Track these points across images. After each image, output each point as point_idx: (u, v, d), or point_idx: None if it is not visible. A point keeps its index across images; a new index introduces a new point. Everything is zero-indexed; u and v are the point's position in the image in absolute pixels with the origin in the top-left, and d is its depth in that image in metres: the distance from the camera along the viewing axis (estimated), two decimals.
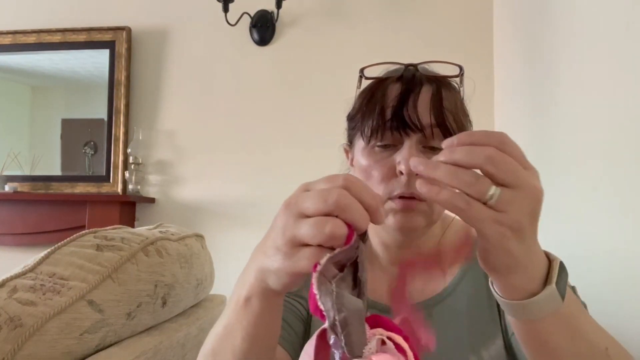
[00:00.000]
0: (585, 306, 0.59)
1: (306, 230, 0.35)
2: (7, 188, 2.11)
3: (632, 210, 0.83)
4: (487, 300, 0.63)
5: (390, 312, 0.65)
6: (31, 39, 2.21)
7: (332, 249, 0.35)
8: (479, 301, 0.63)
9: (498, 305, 0.63)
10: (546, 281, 0.41)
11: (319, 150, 1.88)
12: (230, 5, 2.00)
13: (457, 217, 0.69)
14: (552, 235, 1.22)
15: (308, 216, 0.36)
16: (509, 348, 0.61)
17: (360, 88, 0.66)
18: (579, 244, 1.06)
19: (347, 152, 0.70)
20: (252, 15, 2.08)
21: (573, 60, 1.12)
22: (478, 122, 2.14)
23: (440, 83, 0.61)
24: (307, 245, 0.36)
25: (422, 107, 0.58)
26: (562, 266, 0.42)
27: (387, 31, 2.03)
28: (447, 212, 0.66)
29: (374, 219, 0.36)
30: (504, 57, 1.83)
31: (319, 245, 0.35)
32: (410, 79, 0.61)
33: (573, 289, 0.60)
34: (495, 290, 0.43)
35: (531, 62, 1.45)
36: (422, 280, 0.67)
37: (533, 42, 1.43)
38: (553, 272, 0.41)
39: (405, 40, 2.01)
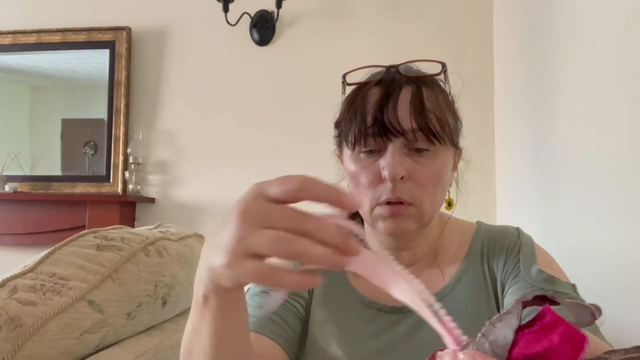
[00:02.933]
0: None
1: (263, 244, 0.32)
2: (7, 188, 2.11)
3: (632, 211, 0.83)
4: (486, 299, 0.63)
5: (389, 312, 0.65)
6: (31, 39, 2.21)
7: None
8: (478, 299, 0.63)
9: (497, 303, 0.63)
10: None
11: (319, 150, 1.88)
12: (230, 5, 2.00)
13: (455, 216, 0.70)
14: (551, 234, 1.22)
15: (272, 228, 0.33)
16: None
17: (345, 94, 0.65)
18: (579, 243, 1.06)
19: (339, 157, 0.70)
20: (252, 15, 2.08)
21: (573, 59, 1.12)
22: (478, 122, 2.14)
23: (422, 83, 0.60)
24: (256, 256, 0.33)
25: (402, 110, 0.57)
26: None
27: (386, 31, 2.03)
28: (444, 210, 0.67)
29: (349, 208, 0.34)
30: (504, 57, 1.83)
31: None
32: (390, 82, 0.60)
33: (573, 286, 0.60)
34: None
35: (531, 62, 1.45)
36: (421, 280, 0.67)
37: (533, 41, 1.43)
38: None
39: (405, 40, 2.01)
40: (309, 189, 0.32)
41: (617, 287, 0.87)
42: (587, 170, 1.02)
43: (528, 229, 0.73)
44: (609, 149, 0.92)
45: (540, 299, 0.30)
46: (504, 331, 0.28)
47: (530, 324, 0.28)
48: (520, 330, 0.28)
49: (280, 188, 0.33)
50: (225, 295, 0.40)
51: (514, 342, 0.28)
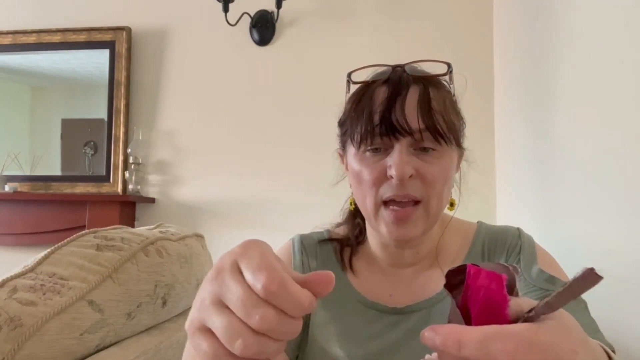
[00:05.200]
0: (585, 305, 0.59)
1: (217, 327, 0.30)
2: (7, 188, 2.11)
3: (632, 210, 0.83)
4: None
5: (390, 313, 0.65)
6: (31, 39, 2.21)
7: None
8: None
9: None
10: None
11: (319, 150, 1.88)
12: (230, 5, 2.00)
13: (456, 217, 0.70)
14: (552, 234, 1.22)
15: (227, 308, 0.31)
16: None
17: (349, 93, 0.65)
18: (580, 243, 1.06)
19: (341, 156, 0.70)
20: (252, 15, 2.08)
21: (573, 59, 1.12)
22: (478, 121, 2.14)
23: (428, 83, 0.60)
24: (213, 334, 0.31)
25: (410, 110, 0.57)
26: None
27: (387, 31, 2.03)
28: (445, 211, 0.67)
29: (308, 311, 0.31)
30: (504, 57, 1.83)
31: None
32: (397, 81, 0.60)
33: None
34: None
35: (531, 62, 1.45)
36: (422, 281, 0.67)
37: (533, 41, 1.43)
38: None
39: (405, 41, 2.01)
40: (273, 298, 0.29)
41: (619, 288, 0.87)
42: (587, 170, 1.02)
43: (528, 228, 0.73)
44: (609, 148, 0.92)
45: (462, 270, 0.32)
46: (452, 309, 0.32)
47: (466, 288, 0.31)
48: (467, 300, 0.31)
49: (249, 274, 0.30)
50: None
51: (469, 311, 0.30)
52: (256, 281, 0.30)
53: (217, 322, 0.30)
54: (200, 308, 0.32)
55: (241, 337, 0.29)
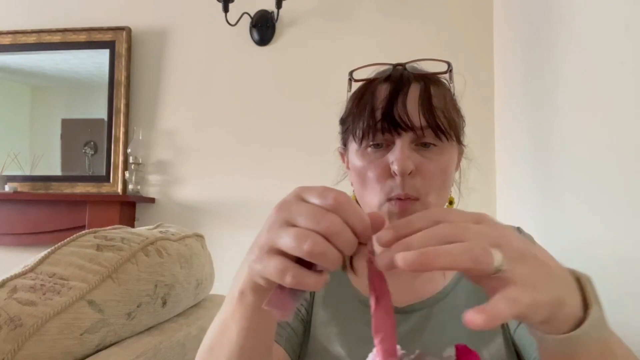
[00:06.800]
0: None
1: (286, 240, 0.34)
2: (7, 188, 2.11)
3: (633, 210, 0.83)
4: (487, 299, 0.63)
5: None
6: (31, 39, 2.21)
7: (309, 265, 0.34)
8: (478, 300, 0.63)
9: None
10: (585, 304, 0.38)
11: (319, 150, 1.88)
12: (230, 5, 2.00)
13: None
14: (552, 233, 1.22)
15: (295, 226, 0.35)
16: (511, 345, 0.61)
17: (350, 91, 0.66)
18: (580, 243, 1.06)
19: (342, 155, 0.71)
20: (252, 15, 2.08)
21: (573, 59, 1.12)
22: (478, 120, 2.14)
23: (429, 80, 0.61)
24: (282, 253, 0.35)
25: (412, 106, 0.58)
26: (589, 279, 0.40)
27: (387, 31, 2.03)
28: None
29: (364, 240, 0.36)
30: (504, 56, 1.83)
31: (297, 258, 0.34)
32: (399, 79, 0.61)
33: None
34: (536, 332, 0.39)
35: (531, 62, 1.45)
36: (422, 280, 0.67)
37: (533, 42, 1.43)
38: (588, 289, 0.39)
39: (405, 40, 2.01)
40: (342, 210, 0.34)
41: (619, 289, 0.87)
42: (587, 170, 1.02)
43: (528, 228, 0.73)
44: (610, 148, 0.92)
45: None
46: None
47: None
48: None
49: (317, 199, 0.35)
50: (262, 293, 0.40)
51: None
52: (325, 198, 0.34)
53: (286, 236, 0.34)
54: (270, 230, 0.35)
55: (310, 238, 0.32)
